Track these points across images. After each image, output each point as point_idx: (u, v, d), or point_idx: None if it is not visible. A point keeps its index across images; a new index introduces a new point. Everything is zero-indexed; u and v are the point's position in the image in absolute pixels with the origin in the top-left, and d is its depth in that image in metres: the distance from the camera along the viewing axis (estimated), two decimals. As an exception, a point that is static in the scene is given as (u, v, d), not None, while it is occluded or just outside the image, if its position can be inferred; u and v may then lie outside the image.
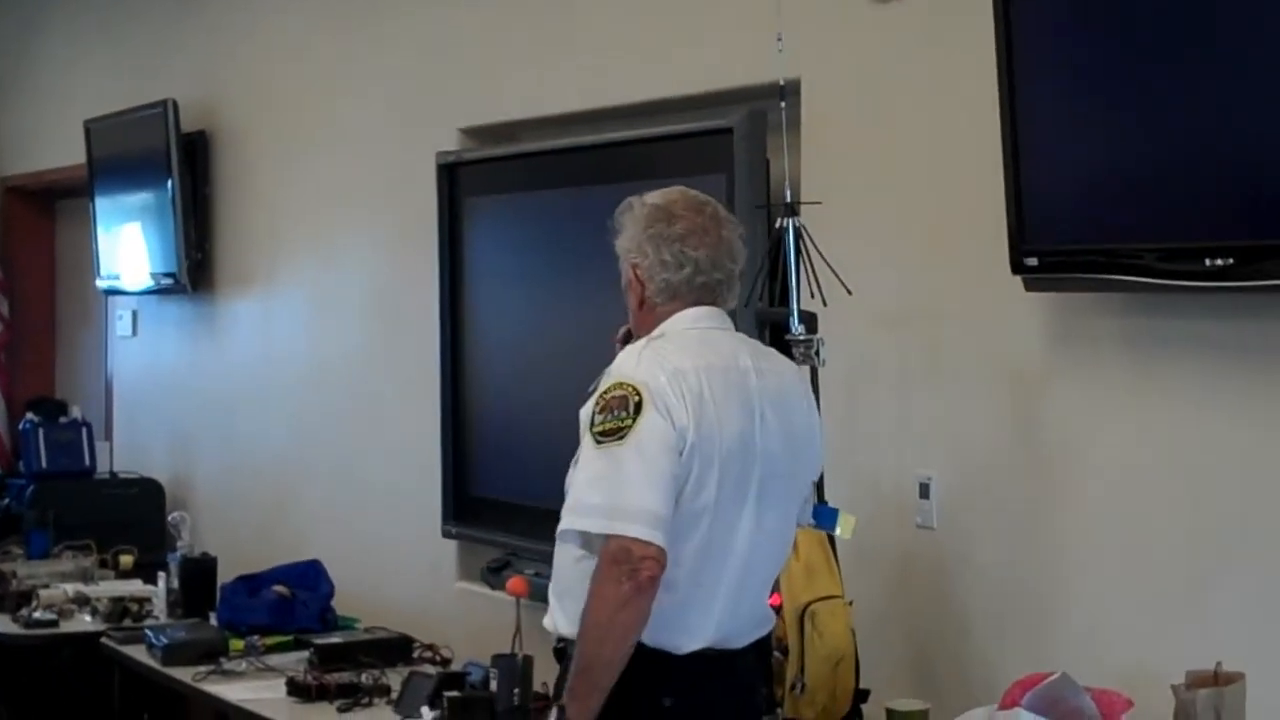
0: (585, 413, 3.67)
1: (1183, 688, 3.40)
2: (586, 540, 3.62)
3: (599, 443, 3.58)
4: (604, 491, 3.55)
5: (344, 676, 4.94)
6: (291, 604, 5.66)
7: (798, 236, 4.30)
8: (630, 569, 3.49)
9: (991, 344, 4.34)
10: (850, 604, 4.18)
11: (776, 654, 4.19)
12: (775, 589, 4.17)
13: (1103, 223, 3.85)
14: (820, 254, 4.29)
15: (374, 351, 6.86)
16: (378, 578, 6.49)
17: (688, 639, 3.66)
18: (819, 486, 4.15)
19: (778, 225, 4.32)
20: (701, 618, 3.67)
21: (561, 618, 3.71)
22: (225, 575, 6.19)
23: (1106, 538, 4.06)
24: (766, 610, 3.86)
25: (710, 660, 3.69)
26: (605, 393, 3.63)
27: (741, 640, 3.76)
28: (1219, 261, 3.55)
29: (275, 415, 7.56)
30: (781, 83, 4.39)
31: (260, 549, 7.00)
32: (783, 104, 4.40)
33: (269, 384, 7.62)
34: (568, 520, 3.62)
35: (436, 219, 6.17)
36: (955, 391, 4.43)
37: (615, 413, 3.58)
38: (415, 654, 5.35)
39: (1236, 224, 3.57)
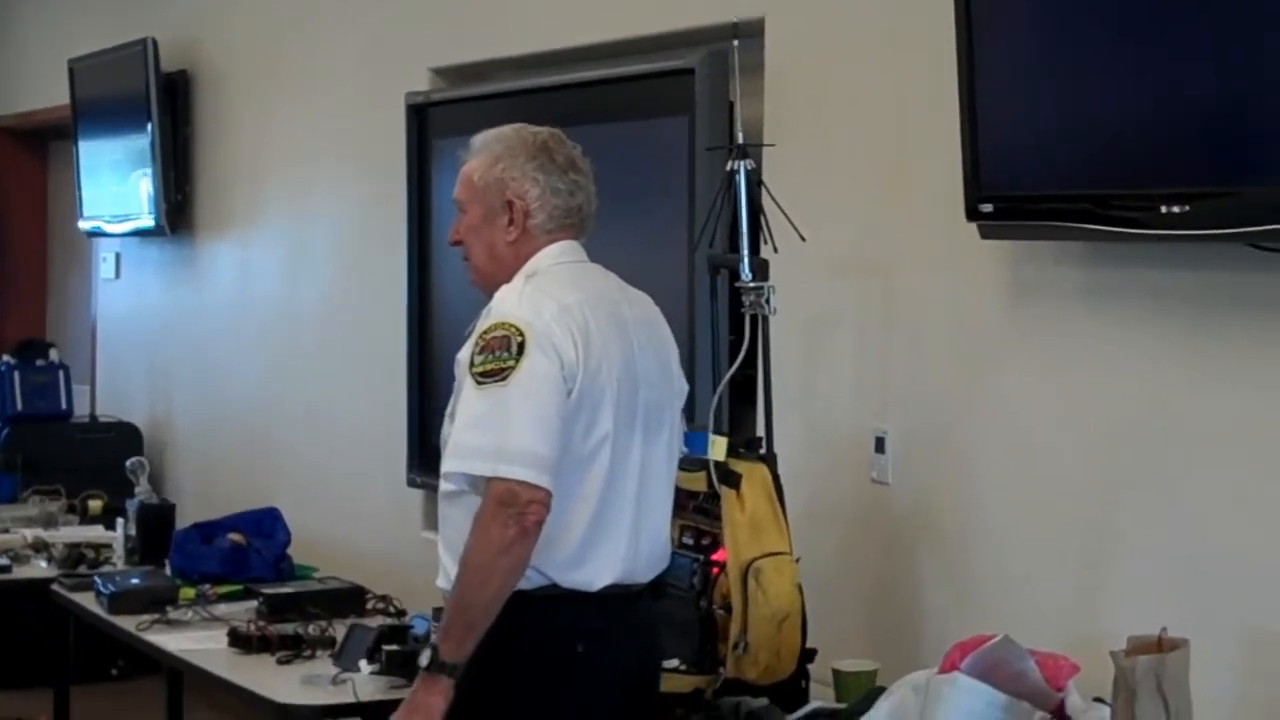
0: (464, 354, 3.57)
1: (1123, 654, 3.26)
2: (472, 482, 3.51)
3: (480, 384, 3.48)
4: (488, 433, 3.46)
5: (289, 627, 4.82)
6: (246, 552, 5.54)
7: (750, 180, 4.16)
8: (517, 512, 3.42)
9: (948, 294, 4.21)
10: (798, 560, 4.04)
11: (720, 611, 4.07)
12: (719, 544, 4.07)
13: (1058, 169, 3.74)
14: (773, 198, 4.16)
15: (346, 296, 6.79)
16: (343, 526, 6.41)
17: (598, 575, 3.60)
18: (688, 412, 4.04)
19: (727, 168, 4.17)
20: (610, 551, 3.61)
21: (454, 574, 3.59)
22: (197, 520, 6.07)
23: (1060, 494, 3.93)
24: (666, 545, 3.79)
25: (619, 598, 3.62)
26: (486, 333, 3.53)
27: (643, 576, 3.69)
28: (1175, 209, 3.43)
29: (250, 360, 7.48)
30: (735, 21, 4.25)
31: (233, 494, 6.95)
32: (735, 43, 4.26)
33: (245, 328, 7.54)
34: (450, 463, 3.52)
35: (405, 161, 6.05)
36: (912, 343, 4.31)
37: (496, 353, 3.49)
38: (369, 605, 5.22)
39: (1193, 171, 3.45)
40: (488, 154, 3.73)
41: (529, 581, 3.54)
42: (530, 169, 3.70)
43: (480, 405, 3.49)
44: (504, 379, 3.46)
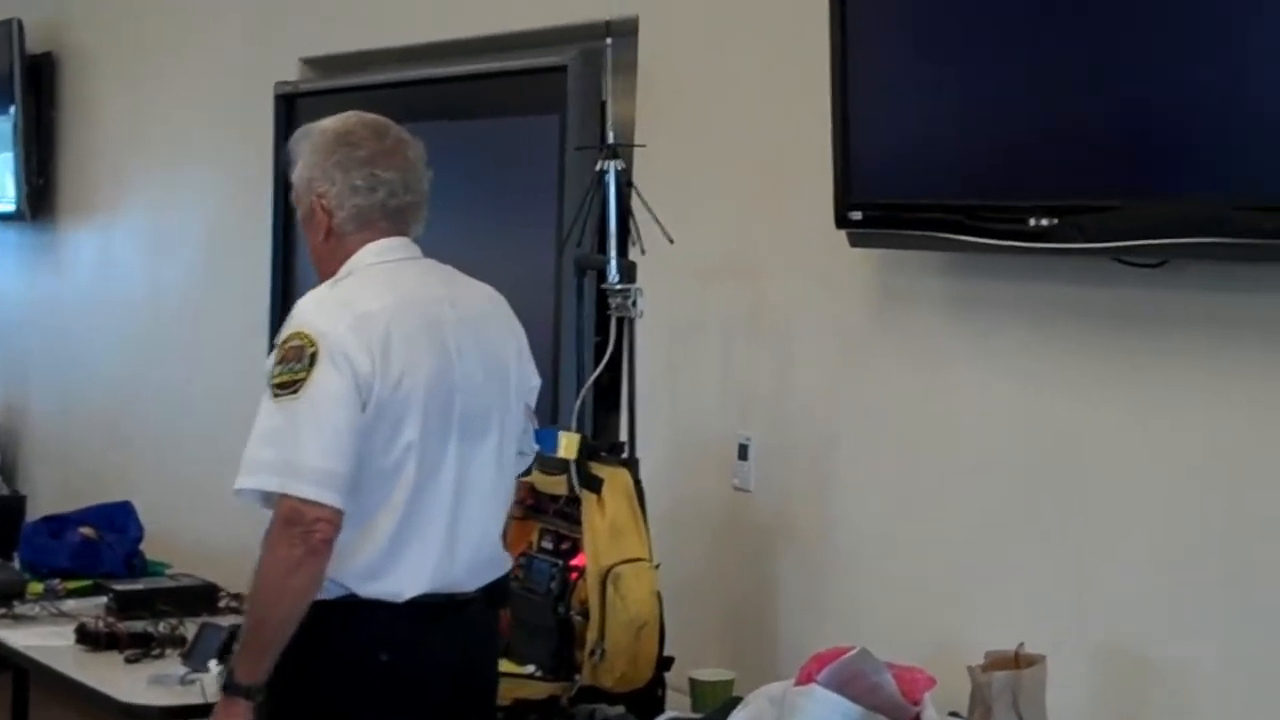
0: (268, 363, 3.47)
1: (979, 669, 3.24)
2: (265, 498, 3.42)
3: (275, 396, 3.39)
4: (277, 447, 3.37)
5: (139, 625, 4.72)
6: (96, 547, 5.43)
7: (619, 181, 4.11)
8: (303, 531, 3.34)
9: (817, 301, 4.18)
10: (657, 567, 3.99)
11: (578, 617, 4.01)
12: (578, 549, 4.01)
13: (929, 178, 3.72)
14: (642, 199, 4.11)
15: (209, 287, 6.69)
16: (198, 522, 6.29)
17: (405, 585, 3.50)
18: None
19: (597, 168, 4.12)
20: (418, 561, 3.50)
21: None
22: (52, 512, 5.95)
23: (922, 505, 3.91)
24: (496, 551, 3.69)
25: (434, 607, 3.53)
26: (284, 342, 3.43)
27: (469, 584, 3.60)
28: (1043, 222, 3.41)
29: (110, 350, 7.35)
30: (609, 19, 4.20)
31: (88, 487, 6.78)
32: (609, 41, 4.21)
33: (105, 317, 7.41)
34: (239, 479, 3.42)
35: (273, 152, 5.96)
36: (778, 349, 4.27)
37: (290, 364, 3.39)
38: (221, 604, 5.13)
39: (1061, 184, 3.43)
40: (297, 152, 3.65)
41: (329, 592, 3.45)
42: (328, 166, 3.58)
43: (273, 419, 3.39)
44: (295, 391, 3.36)
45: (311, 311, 3.47)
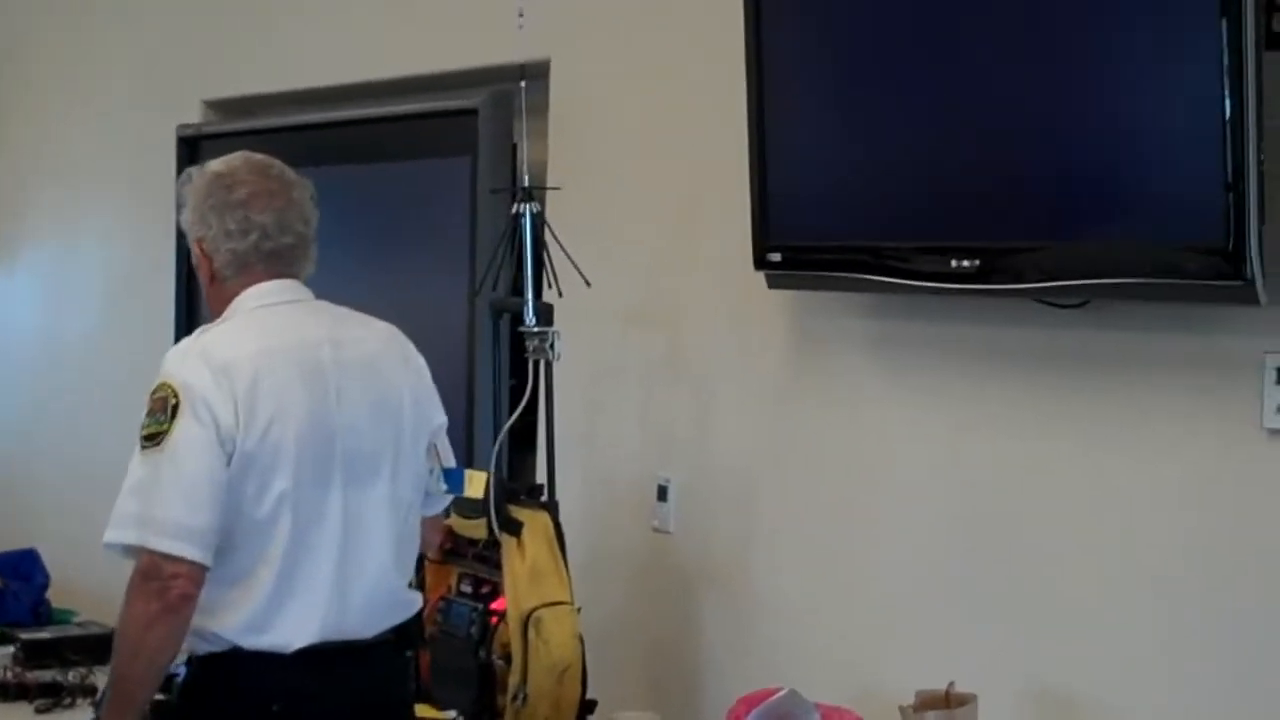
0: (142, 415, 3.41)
1: (910, 709, 3.25)
2: (128, 550, 3.35)
3: (143, 449, 3.33)
4: (139, 501, 3.30)
5: (48, 675, 4.65)
6: (2, 595, 5.35)
7: (535, 223, 4.10)
8: (160, 586, 3.27)
9: (735, 344, 4.19)
10: (579, 610, 3.97)
11: (500, 661, 3.99)
12: (499, 593, 3.99)
13: (848, 219, 3.74)
14: (558, 242, 4.10)
15: (110, 334, 6.61)
16: (103, 568, 6.18)
17: (291, 636, 3.41)
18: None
19: (513, 211, 4.11)
20: (304, 612, 3.41)
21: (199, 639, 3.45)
22: (-51, 562, 5.87)
23: (847, 546, 3.92)
24: (397, 595, 3.58)
25: (326, 655, 3.44)
26: (152, 393, 3.36)
27: (367, 630, 3.50)
28: (965, 263, 3.45)
29: (8, 394, 7.25)
30: (521, 62, 4.19)
31: (-14, 534, 6.69)
32: (523, 83, 4.20)
33: (2, 360, 7.29)
34: (107, 532, 3.36)
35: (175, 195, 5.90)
36: (697, 391, 4.28)
37: (156, 416, 3.31)
38: (131, 652, 5.06)
39: (983, 225, 3.46)
40: (183, 195, 3.61)
41: (213, 645, 3.40)
42: (205, 210, 3.53)
43: (138, 472, 3.32)
44: (159, 444, 3.28)
45: (176, 362, 3.39)
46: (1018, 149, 3.38)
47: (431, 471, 3.65)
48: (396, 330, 3.67)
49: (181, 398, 3.31)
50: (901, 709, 3.27)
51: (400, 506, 3.56)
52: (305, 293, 3.59)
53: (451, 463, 3.69)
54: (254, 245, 3.50)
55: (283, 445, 3.36)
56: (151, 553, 3.27)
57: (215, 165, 3.59)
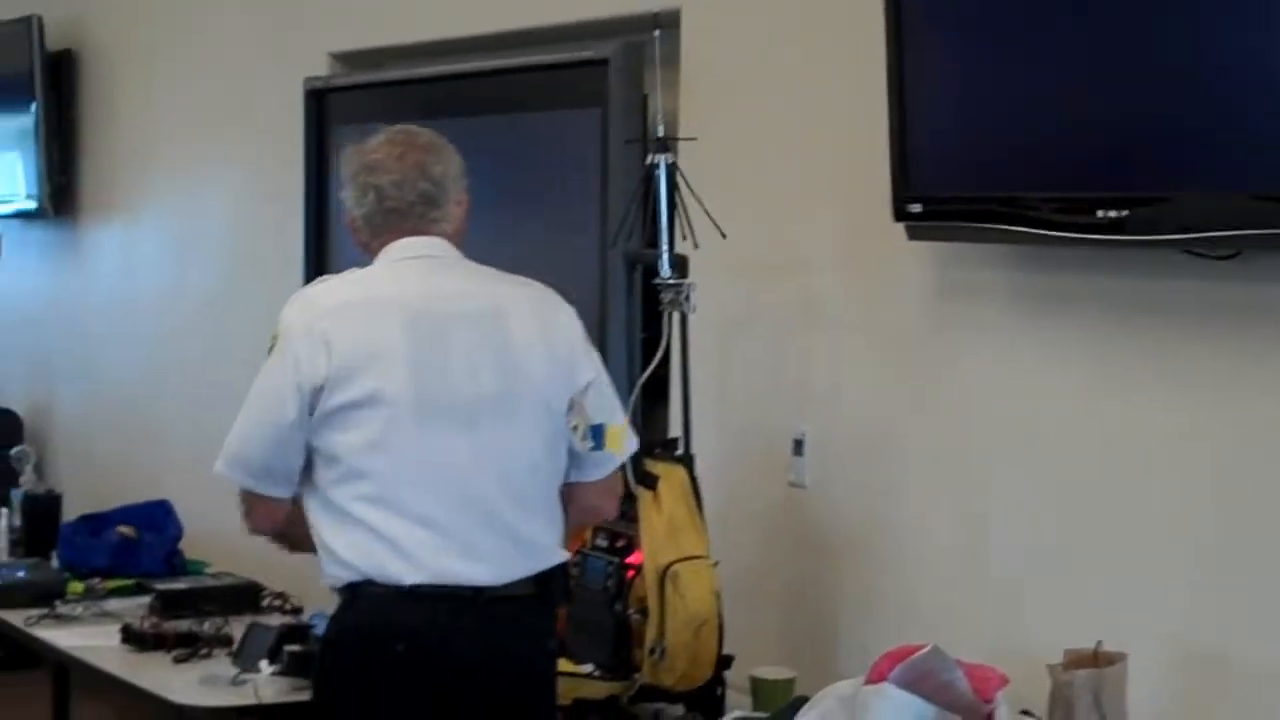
0: None
1: (1060, 668, 3.21)
2: None
3: None
4: (232, 431, 3.60)
5: (184, 625, 4.69)
6: (135, 546, 5.39)
7: (670, 175, 4.07)
8: (243, 509, 3.66)
9: (872, 295, 4.14)
10: (716, 565, 3.96)
11: (636, 615, 3.99)
12: (634, 547, 3.98)
13: (992, 170, 3.68)
14: (694, 194, 4.07)
15: (236, 282, 6.64)
16: (233, 520, 6.23)
17: (406, 571, 3.49)
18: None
19: (648, 162, 4.08)
20: (416, 550, 3.49)
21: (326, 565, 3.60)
22: (82, 512, 5.91)
23: (986, 501, 3.87)
24: (522, 545, 3.57)
25: (449, 599, 3.50)
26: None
27: (486, 577, 3.52)
28: (1111, 214, 3.38)
29: (136, 348, 7.31)
30: (656, 12, 4.15)
31: (117, 485, 6.75)
32: (656, 33, 4.17)
33: (129, 315, 7.37)
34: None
35: (303, 148, 5.92)
36: (833, 344, 4.24)
37: (268, 354, 3.55)
38: (264, 602, 5.09)
39: (1131, 176, 3.39)
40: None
41: (341, 574, 3.54)
42: (345, 178, 3.70)
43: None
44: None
45: (288, 305, 3.59)
46: (1166, 95, 3.30)
47: (576, 428, 3.64)
48: (543, 290, 3.70)
49: (280, 338, 3.52)
50: (1050, 668, 3.23)
51: (522, 456, 3.58)
52: (442, 249, 3.65)
53: (602, 420, 3.66)
54: (376, 206, 3.62)
55: (378, 389, 3.47)
56: (227, 478, 3.61)
57: (363, 141, 3.71)
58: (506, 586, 3.54)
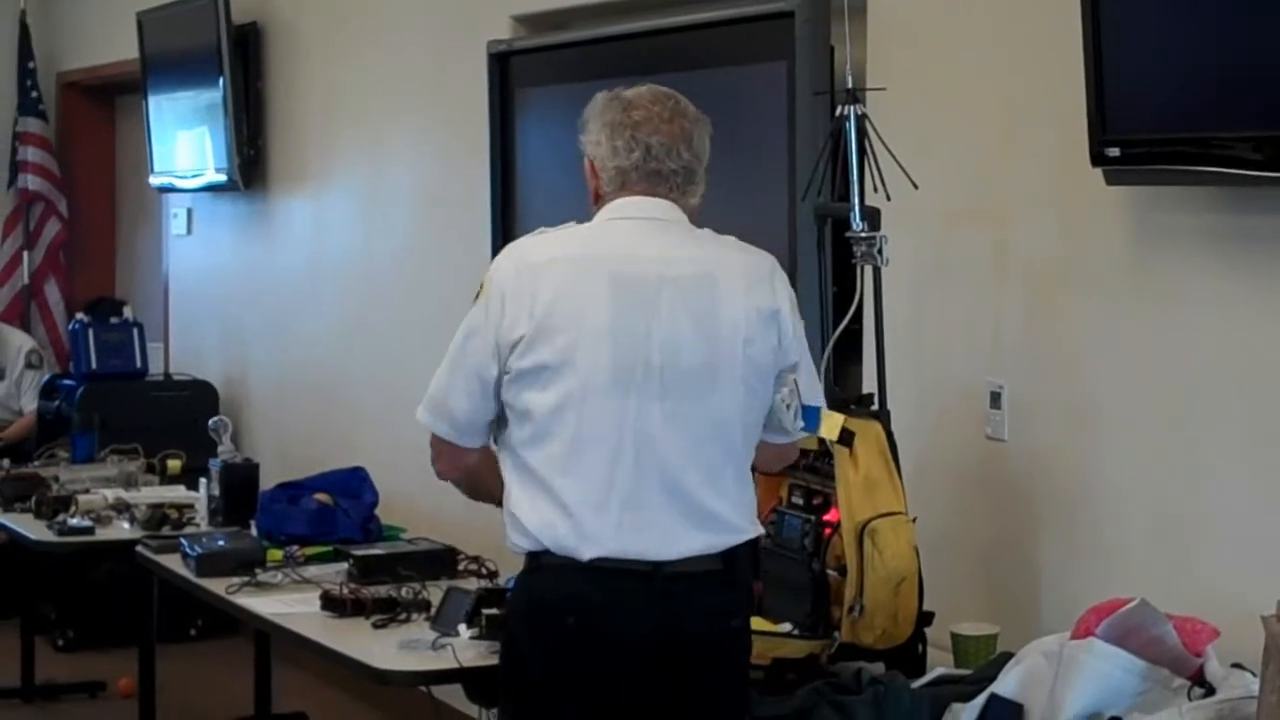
0: None
1: (1274, 619, 3.11)
2: None
3: None
4: (434, 379, 3.63)
5: (382, 590, 4.70)
6: (333, 513, 5.42)
7: (860, 126, 4.01)
8: (434, 455, 3.71)
9: (1067, 242, 4.05)
10: (914, 520, 3.90)
11: (833, 573, 3.94)
12: (830, 504, 3.93)
13: (1192, 110, 3.57)
14: (884, 144, 4.01)
15: (424, 249, 6.67)
16: (426, 486, 6.26)
17: (584, 545, 3.45)
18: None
19: (838, 114, 4.02)
20: (595, 522, 3.45)
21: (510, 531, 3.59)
22: (277, 480, 5.97)
23: (1192, 453, 3.78)
24: (718, 518, 3.51)
25: (627, 574, 3.45)
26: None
27: (668, 551, 3.47)
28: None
29: (326, 317, 7.37)
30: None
31: (312, 453, 6.84)
32: (845, -16, 4.11)
33: (320, 284, 7.43)
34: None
35: (488, 111, 5.91)
36: (1029, 294, 4.15)
37: (473, 301, 3.57)
38: (460, 567, 5.10)
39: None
40: (586, 115, 3.67)
41: (524, 542, 3.53)
42: (598, 129, 3.61)
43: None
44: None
45: (502, 254, 3.60)
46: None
47: (789, 407, 3.57)
48: (761, 257, 3.62)
49: (485, 288, 3.52)
50: (1264, 619, 3.13)
51: (716, 429, 3.51)
52: (675, 214, 3.60)
53: (813, 401, 3.61)
54: (637, 163, 3.57)
55: (576, 349, 3.44)
56: (429, 427, 3.65)
57: (622, 90, 3.64)
58: (687, 561, 3.48)
